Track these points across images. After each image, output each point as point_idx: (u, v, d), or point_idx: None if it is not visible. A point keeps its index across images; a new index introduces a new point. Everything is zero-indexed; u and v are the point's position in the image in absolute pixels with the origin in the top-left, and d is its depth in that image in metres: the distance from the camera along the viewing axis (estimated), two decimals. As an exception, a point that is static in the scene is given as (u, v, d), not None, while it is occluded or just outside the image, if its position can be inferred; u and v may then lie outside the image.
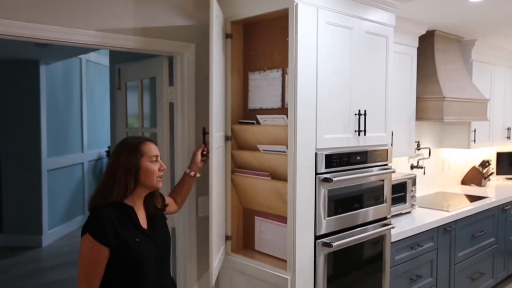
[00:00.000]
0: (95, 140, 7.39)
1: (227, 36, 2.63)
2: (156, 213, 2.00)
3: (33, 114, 5.88)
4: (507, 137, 4.98)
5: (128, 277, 1.84)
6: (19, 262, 5.33)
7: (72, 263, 5.29)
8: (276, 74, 2.57)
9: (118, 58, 3.46)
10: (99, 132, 7.44)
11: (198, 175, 2.36)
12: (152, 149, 1.92)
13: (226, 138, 2.67)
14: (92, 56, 7.10)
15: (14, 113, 5.90)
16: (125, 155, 1.86)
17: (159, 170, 1.93)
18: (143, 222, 1.93)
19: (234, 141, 2.71)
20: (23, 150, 5.92)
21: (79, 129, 6.95)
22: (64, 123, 6.53)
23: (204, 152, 2.38)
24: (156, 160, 1.93)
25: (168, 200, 2.23)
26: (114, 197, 1.83)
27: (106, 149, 7.54)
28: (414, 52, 3.64)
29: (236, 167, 2.73)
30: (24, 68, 5.82)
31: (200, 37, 2.71)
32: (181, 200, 2.34)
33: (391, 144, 2.98)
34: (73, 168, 6.80)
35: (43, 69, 5.89)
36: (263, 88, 2.64)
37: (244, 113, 2.74)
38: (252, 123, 2.63)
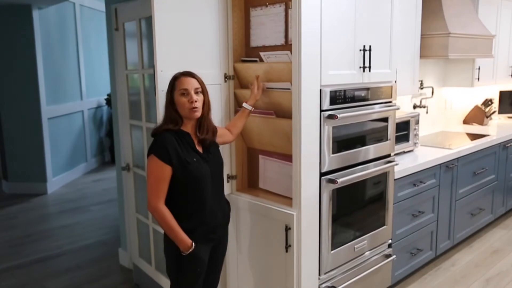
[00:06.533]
0: (94, 88, 7.32)
1: (227, -31, 2.53)
2: (206, 139, 2.18)
3: (30, 61, 5.78)
4: (511, 75, 4.92)
5: (189, 192, 2.09)
6: (26, 208, 5.43)
7: (77, 209, 5.39)
8: (279, 9, 2.49)
9: (114, -3, 3.34)
10: (97, 80, 7.36)
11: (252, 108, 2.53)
12: (182, 82, 2.08)
13: (229, 77, 2.62)
14: (85, 0, 6.89)
15: (10, 60, 5.80)
16: (166, 90, 2.10)
17: (189, 102, 2.06)
18: (198, 146, 2.15)
19: (237, 80, 2.67)
20: (22, 98, 5.87)
21: (77, 76, 6.86)
22: (61, 70, 6.44)
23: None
24: (186, 93, 2.07)
25: (223, 131, 2.43)
26: (167, 125, 2.08)
27: (106, 97, 7.48)
28: (419, -14, 3.52)
29: (239, 106, 2.69)
30: (16, 13, 5.65)
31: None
32: (237, 132, 2.52)
33: (395, 82, 2.94)
34: (73, 116, 6.78)
35: (36, 14, 5.72)
36: (266, 25, 2.57)
37: (246, 51, 2.68)
38: (255, 61, 2.58)
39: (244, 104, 2.51)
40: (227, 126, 2.53)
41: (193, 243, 2.09)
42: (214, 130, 2.24)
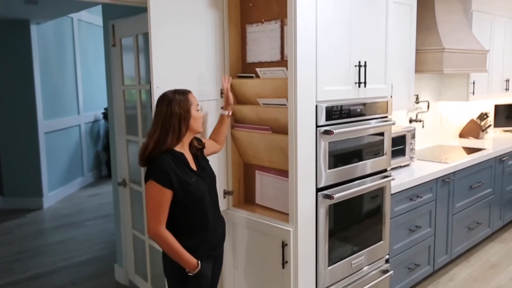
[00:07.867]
0: (91, 103, 7.33)
1: (223, -13, 2.55)
2: (198, 155, 2.21)
3: (27, 75, 5.79)
4: (506, 89, 4.96)
5: (192, 212, 2.08)
6: (22, 224, 5.39)
7: (73, 224, 5.36)
8: (275, 25, 2.52)
9: (112, 14, 3.36)
10: (94, 95, 7.37)
11: (231, 113, 2.53)
12: (195, 98, 2.14)
13: (225, 93, 2.63)
14: (83, 15, 6.94)
15: (7, 75, 5.81)
16: (177, 105, 2.04)
17: (201, 116, 2.16)
18: (192, 164, 2.14)
19: (233, 96, 2.68)
20: (18, 113, 5.87)
21: (74, 91, 6.87)
22: (59, 85, 6.45)
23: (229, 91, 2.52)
24: (198, 108, 2.14)
25: (209, 142, 2.42)
26: (168, 144, 2.03)
27: (103, 111, 7.49)
28: (414, 3, 3.54)
29: (236, 122, 2.71)
30: (15, 28, 5.68)
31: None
32: (222, 139, 2.51)
33: (391, 97, 2.95)
34: (70, 131, 6.77)
35: (34, 29, 5.75)
36: (262, 41, 2.59)
37: (242, 67, 2.70)
38: (252, 77, 2.59)
39: (220, 110, 2.53)
40: (210, 136, 2.52)
41: (199, 262, 2.07)
42: (199, 140, 2.27)
